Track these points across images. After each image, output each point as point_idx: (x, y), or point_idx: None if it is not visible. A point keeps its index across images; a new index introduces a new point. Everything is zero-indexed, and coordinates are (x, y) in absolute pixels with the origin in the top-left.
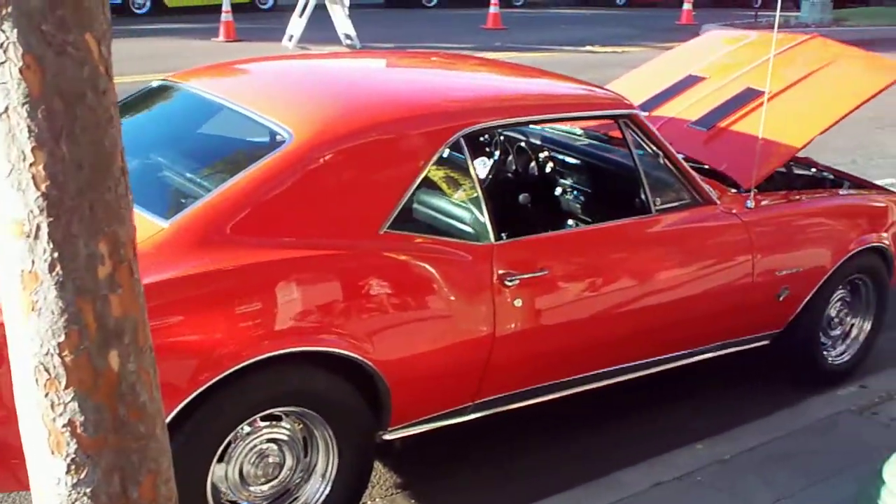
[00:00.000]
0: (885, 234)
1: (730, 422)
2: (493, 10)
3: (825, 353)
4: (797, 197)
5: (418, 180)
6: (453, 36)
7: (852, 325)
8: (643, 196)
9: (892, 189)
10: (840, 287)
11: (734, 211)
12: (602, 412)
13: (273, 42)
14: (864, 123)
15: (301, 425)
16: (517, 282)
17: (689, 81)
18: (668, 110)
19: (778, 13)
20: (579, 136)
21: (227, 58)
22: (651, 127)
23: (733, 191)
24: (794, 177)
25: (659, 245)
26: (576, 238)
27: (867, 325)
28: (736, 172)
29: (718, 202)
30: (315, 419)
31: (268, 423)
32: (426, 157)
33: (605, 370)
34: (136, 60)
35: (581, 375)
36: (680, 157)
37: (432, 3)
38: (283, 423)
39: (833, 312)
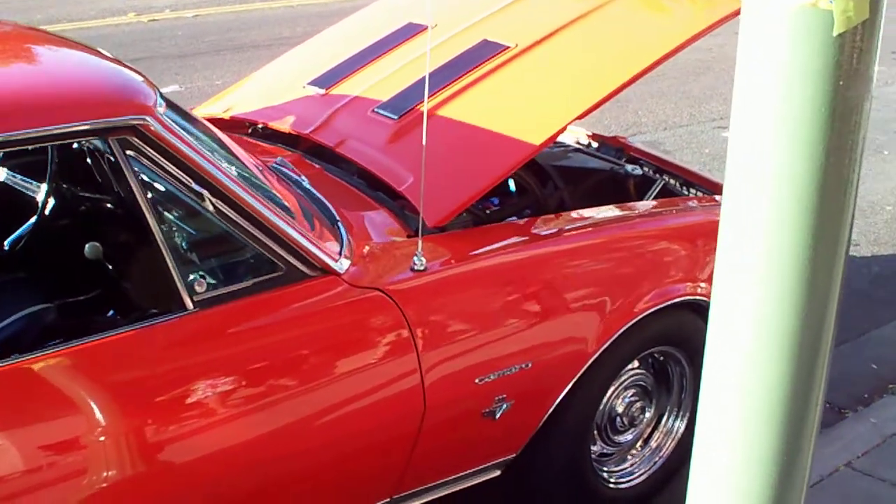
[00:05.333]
0: (703, 284)
1: None
2: None
3: (603, 472)
4: (540, 229)
5: None
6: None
7: (656, 423)
8: (171, 278)
9: None
10: (629, 369)
11: (385, 280)
12: None
13: None
14: None
15: None
16: None
17: (406, 33)
18: (359, 83)
19: None
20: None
21: None
22: (180, 145)
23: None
24: (580, 175)
25: (205, 367)
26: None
27: (681, 425)
28: (423, 197)
29: (345, 268)
30: None
31: None
32: None
33: None
34: None
35: None
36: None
37: None
38: None
39: (620, 408)
